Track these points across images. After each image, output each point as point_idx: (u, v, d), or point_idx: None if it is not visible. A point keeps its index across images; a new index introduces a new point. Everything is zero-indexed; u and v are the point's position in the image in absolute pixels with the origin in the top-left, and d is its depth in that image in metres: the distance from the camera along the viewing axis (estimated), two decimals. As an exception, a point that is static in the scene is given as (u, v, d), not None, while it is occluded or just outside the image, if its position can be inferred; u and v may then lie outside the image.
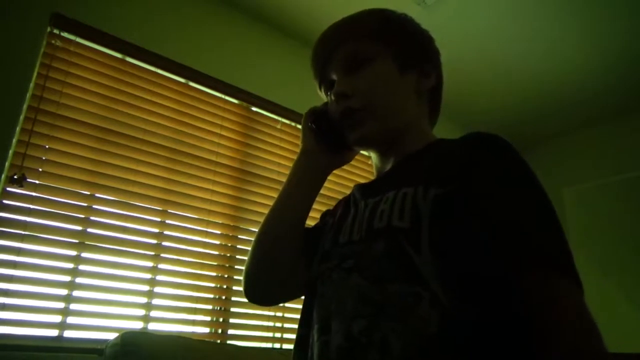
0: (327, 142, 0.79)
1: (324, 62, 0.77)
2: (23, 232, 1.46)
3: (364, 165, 2.47)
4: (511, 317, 0.52)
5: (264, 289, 0.80)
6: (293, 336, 2.03)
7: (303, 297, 0.76)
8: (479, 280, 0.54)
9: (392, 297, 0.56)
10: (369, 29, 0.76)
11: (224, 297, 1.89)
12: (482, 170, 0.60)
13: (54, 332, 1.45)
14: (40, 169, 1.55)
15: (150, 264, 1.71)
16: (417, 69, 0.76)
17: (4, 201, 1.46)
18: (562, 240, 0.55)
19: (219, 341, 1.84)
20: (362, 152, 0.90)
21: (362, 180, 0.95)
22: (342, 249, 0.69)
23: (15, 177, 1.47)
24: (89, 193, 1.64)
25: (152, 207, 1.77)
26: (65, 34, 1.67)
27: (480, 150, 0.63)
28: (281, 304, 2.00)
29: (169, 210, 1.81)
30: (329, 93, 0.79)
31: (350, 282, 0.62)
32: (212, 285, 1.86)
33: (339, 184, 2.32)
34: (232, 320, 1.88)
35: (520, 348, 0.51)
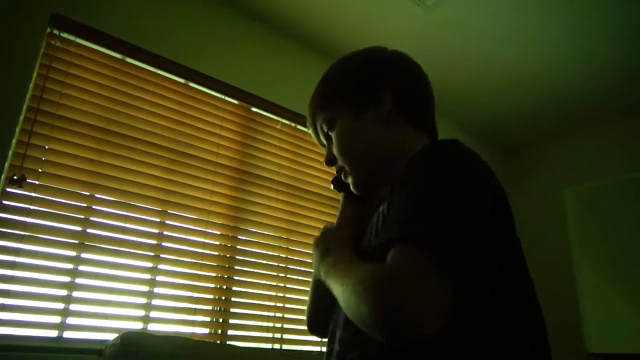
0: (349, 195, 0.90)
1: (316, 135, 0.90)
2: (22, 233, 1.46)
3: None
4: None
5: (323, 325, 0.86)
6: (292, 337, 2.05)
7: None
8: None
9: None
10: (320, 100, 0.85)
11: (223, 298, 1.89)
12: (401, 180, 0.64)
13: (53, 333, 1.45)
14: (39, 170, 1.55)
15: (149, 264, 1.71)
16: (368, 104, 0.80)
17: (4, 202, 1.46)
18: (423, 215, 0.57)
19: (218, 342, 1.83)
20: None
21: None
22: None
23: (15, 177, 1.47)
24: (88, 194, 1.64)
25: (152, 207, 1.76)
26: (65, 35, 1.67)
27: (411, 160, 0.65)
28: (280, 304, 2.01)
29: (169, 211, 1.81)
30: None
31: None
32: (212, 285, 1.86)
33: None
34: (231, 321, 1.88)
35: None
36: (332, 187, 0.94)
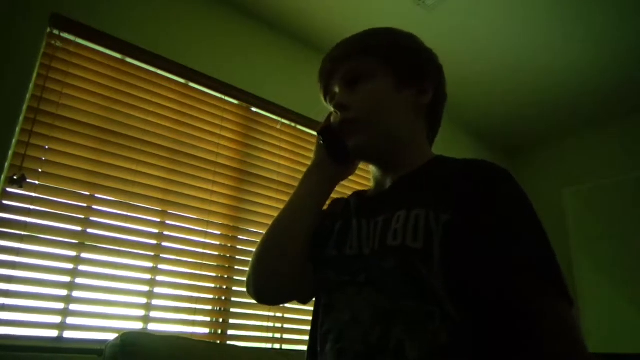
0: (334, 154, 0.83)
1: (328, 75, 0.83)
2: (23, 233, 1.46)
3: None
4: (512, 328, 0.58)
5: (267, 288, 0.80)
6: (292, 337, 2.05)
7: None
8: (483, 297, 0.60)
9: (403, 311, 0.62)
10: (372, 47, 0.80)
11: (223, 298, 1.89)
12: (486, 202, 0.65)
13: (53, 333, 1.45)
14: (39, 170, 1.55)
15: (150, 264, 1.71)
16: (415, 86, 0.79)
17: (4, 202, 1.46)
18: (555, 260, 0.61)
19: (218, 342, 1.83)
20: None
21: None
22: (352, 262, 0.72)
23: (15, 177, 1.47)
24: (88, 194, 1.64)
25: (152, 207, 1.76)
26: (65, 35, 1.67)
27: (485, 181, 0.67)
28: (281, 305, 2.00)
29: (169, 211, 1.81)
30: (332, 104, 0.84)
31: (364, 294, 0.67)
32: (212, 285, 1.86)
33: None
34: (231, 321, 1.88)
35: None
36: (317, 133, 0.84)
